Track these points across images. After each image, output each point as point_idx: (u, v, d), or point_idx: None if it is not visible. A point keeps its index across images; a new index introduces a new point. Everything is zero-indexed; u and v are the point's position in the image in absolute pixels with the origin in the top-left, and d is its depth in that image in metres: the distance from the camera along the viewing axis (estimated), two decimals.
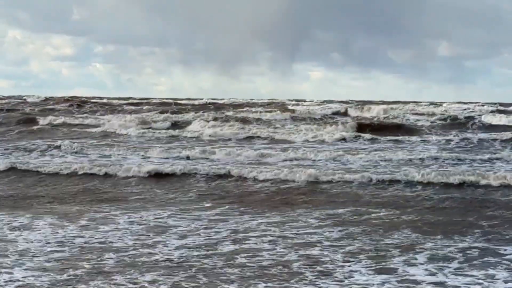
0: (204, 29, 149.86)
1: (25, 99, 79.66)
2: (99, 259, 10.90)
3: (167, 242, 12.07)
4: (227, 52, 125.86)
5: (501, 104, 73.34)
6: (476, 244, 12.00)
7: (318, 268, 10.45)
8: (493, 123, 41.14)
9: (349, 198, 16.90)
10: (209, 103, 71.77)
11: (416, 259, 10.99)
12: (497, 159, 23.69)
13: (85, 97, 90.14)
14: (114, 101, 75.02)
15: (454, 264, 10.72)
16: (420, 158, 23.60)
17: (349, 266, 10.58)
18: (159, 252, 11.33)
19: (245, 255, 11.17)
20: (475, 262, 10.87)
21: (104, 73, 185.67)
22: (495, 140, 29.88)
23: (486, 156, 24.17)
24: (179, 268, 10.39)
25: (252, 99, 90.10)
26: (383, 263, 10.70)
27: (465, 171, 20.15)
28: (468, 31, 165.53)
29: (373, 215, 14.70)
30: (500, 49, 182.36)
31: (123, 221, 13.94)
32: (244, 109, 54.40)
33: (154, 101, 78.74)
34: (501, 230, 13.19)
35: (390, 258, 11.03)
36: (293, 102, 77.50)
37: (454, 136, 31.52)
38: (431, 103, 78.09)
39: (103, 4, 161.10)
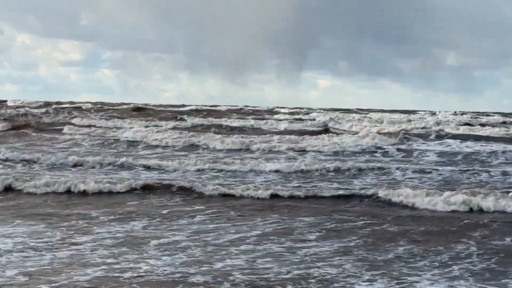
0: (211, 36, 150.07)
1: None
2: None
3: None
4: (235, 60, 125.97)
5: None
6: None
7: None
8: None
9: None
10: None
11: None
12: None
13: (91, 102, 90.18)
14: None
15: None
16: None
17: None
18: None
19: None
20: None
21: (112, 79, 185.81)
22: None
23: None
24: None
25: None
26: None
27: None
28: (477, 41, 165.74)
29: None
30: (508, 59, 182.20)
31: None
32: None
33: None
34: None
35: None
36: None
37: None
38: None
39: (111, 10, 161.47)
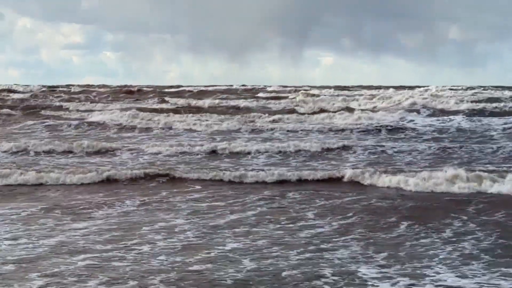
0: (213, 16, 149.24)
1: None
2: None
3: None
4: (237, 39, 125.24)
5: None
6: None
7: None
8: None
9: None
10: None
11: None
12: None
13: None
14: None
15: None
16: None
17: None
18: None
19: None
20: None
21: (114, 61, 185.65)
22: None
23: None
24: None
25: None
26: None
27: None
28: (479, 14, 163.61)
29: None
30: (511, 32, 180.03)
31: None
32: None
33: None
34: None
35: None
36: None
37: None
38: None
39: None
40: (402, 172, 17.61)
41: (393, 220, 13.01)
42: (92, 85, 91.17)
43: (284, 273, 9.48)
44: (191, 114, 35.68)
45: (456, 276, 9.47)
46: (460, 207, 14.27)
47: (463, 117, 33.87)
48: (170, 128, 31.58)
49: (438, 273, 9.62)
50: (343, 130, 30.00)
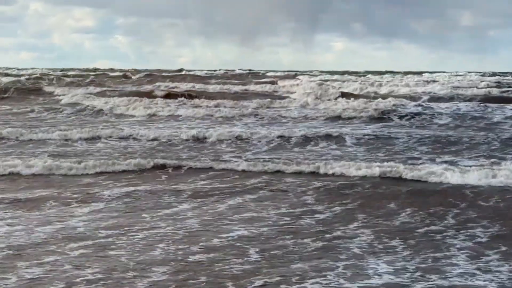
0: (224, 0, 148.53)
1: None
2: None
3: None
4: (249, 24, 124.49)
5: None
6: None
7: None
8: None
9: None
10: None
11: None
12: None
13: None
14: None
15: None
16: None
17: None
18: None
19: None
20: None
21: (126, 45, 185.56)
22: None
23: None
24: None
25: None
26: None
27: None
28: (491, 1, 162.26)
29: None
30: None
31: None
32: None
33: None
34: None
35: None
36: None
37: None
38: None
39: None
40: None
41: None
42: (99, 69, 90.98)
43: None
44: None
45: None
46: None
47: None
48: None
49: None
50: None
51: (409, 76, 69.52)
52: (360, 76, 73.80)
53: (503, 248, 9.88)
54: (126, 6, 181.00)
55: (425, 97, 40.37)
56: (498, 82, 54.51)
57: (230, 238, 10.18)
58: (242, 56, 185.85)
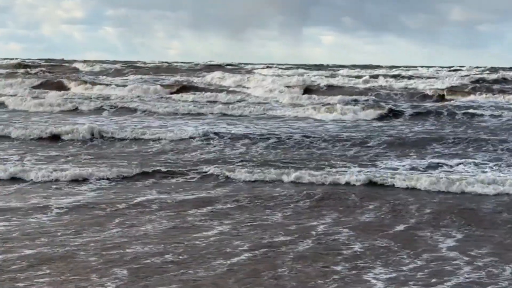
0: None
1: None
2: None
3: None
4: (238, 16, 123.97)
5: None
6: None
7: None
8: None
9: None
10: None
11: None
12: None
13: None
14: None
15: None
16: None
17: None
18: None
19: None
20: None
21: (115, 37, 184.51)
22: None
23: None
24: None
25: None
26: None
27: None
28: None
29: None
30: None
31: None
32: None
33: None
34: None
35: None
36: None
37: None
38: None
39: None
40: None
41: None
42: (88, 61, 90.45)
43: None
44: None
45: None
46: None
47: None
48: None
49: None
50: None
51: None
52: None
53: None
54: None
55: None
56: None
57: None
58: (231, 49, 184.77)
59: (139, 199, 12.77)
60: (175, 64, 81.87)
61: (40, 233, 10.37)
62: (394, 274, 8.77)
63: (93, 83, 42.04)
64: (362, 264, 9.15)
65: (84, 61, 75.75)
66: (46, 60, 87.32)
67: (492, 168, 16.54)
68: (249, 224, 11.14)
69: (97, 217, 11.46)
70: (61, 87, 40.44)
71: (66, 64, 72.59)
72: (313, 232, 10.67)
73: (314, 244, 10.00)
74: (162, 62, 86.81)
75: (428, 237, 10.60)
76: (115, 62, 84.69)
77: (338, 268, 8.98)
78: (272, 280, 8.50)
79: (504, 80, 46.99)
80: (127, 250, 9.55)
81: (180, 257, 9.29)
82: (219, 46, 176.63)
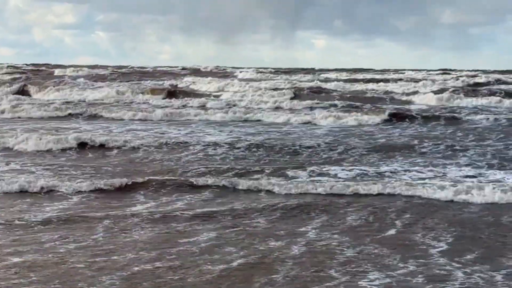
0: None
1: None
2: None
3: None
4: (230, 20, 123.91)
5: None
6: None
7: None
8: None
9: None
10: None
11: None
12: None
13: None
14: None
15: None
16: None
17: None
18: None
19: None
20: None
21: (107, 41, 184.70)
22: None
23: None
24: None
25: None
26: None
27: None
28: None
29: None
30: (505, 15, 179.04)
31: None
32: None
33: None
34: None
35: None
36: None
37: None
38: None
39: None
40: None
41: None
42: (80, 66, 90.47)
43: None
44: None
45: None
46: None
47: None
48: None
49: None
50: None
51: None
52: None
53: None
54: (107, 2, 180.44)
55: None
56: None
57: None
58: (223, 53, 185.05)
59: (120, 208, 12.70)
60: (160, 68, 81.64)
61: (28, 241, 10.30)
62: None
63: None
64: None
65: (71, 67, 75.59)
66: (35, 65, 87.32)
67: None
68: (237, 230, 11.09)
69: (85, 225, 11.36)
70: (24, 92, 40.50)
71: (52, 69, 72.68)
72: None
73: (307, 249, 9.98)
74: (155, 67, 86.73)
75: (418, 240, 10.58)
76: (106, 67, 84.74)
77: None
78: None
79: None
80: (116, 257, 9.49)
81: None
82: (210, 50, 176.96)
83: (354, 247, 10.08)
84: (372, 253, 9.78)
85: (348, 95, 39.99)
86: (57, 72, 65.98)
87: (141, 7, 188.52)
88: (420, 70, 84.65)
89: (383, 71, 79.31)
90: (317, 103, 33.49)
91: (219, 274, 8.82)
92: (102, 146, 19.72)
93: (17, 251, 9.68)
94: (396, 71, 78.04)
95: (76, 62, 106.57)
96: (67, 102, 34.61)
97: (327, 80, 54.31)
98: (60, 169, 16.19)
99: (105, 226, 11.10)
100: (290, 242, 10.29)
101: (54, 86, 42.10)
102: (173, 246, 9.99)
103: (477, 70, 79.29)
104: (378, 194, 13.84)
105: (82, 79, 50.23)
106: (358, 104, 33.19)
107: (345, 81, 53.70)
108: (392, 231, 11.06)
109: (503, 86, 46.23)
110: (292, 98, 37.40)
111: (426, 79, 53.38)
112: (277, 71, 76.83)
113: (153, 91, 39.83)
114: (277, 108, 32.74)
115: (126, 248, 9.86)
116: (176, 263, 9.24)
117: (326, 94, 40.18)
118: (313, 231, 11.03)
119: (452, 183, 14.50)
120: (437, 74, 69.52)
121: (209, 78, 56.36)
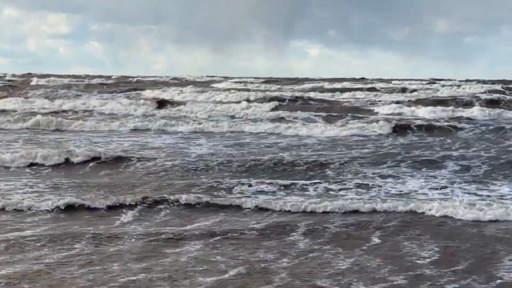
0: (200, 7, 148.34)
1: None
2: None
3: None
4: (223, 30, 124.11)
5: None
6: None
7: None
8: None
9: None
10: None
11: None
12: None
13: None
14: None
15: None
16: None
17: None
18: None
19: None
20: None
21: (101, 51, 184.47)
22: None
23: None
24: None
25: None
26: None
27: None
28: (466, 7, 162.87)
29: None
30: (499, 26, 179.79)
31: None
32: None
33: None
34: None
35: None
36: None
37: None
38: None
39: None
40: None
41: None
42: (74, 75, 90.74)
43: None
44: None
45: None
46: None
47: None
48: None
49: None
50: None
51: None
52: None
53: None
54: (101, 12, 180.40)
55: None
56: None
57: None
58: (217, 63, 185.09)
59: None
60: (145, 79, 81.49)
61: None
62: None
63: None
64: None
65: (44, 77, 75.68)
66: (23, 75, 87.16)
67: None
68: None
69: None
70: None
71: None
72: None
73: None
74: (144, 76, 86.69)
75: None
76: (100, 76, 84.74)
77: None
78: None
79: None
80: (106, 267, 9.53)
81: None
82: (204, 59, 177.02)
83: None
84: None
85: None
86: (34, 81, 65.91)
87: (135, 17, 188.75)
88: (410, 80, 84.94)
89: (372, 80, 79.52)
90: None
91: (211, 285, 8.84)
92: None
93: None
94: (388, 80, 78.23)
95: (70, 71, 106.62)
96: None
97: (303, 90, 55.19)
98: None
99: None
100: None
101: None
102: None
103: (473, 80, 79.60)
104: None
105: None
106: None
107: (322, 90, 54.35)
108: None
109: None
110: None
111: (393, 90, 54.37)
112: (269, 81, 76.99)
113: None
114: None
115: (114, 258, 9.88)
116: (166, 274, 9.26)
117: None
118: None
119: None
120: (426, 83, 69.77)
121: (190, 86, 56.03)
